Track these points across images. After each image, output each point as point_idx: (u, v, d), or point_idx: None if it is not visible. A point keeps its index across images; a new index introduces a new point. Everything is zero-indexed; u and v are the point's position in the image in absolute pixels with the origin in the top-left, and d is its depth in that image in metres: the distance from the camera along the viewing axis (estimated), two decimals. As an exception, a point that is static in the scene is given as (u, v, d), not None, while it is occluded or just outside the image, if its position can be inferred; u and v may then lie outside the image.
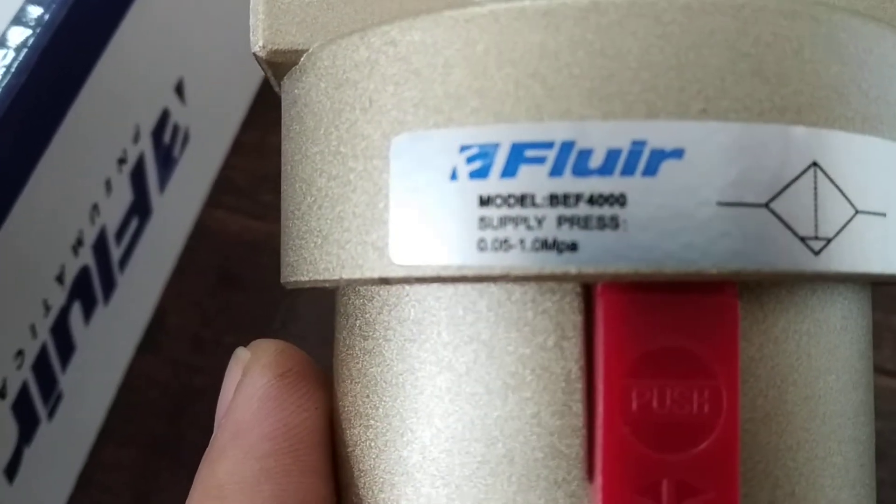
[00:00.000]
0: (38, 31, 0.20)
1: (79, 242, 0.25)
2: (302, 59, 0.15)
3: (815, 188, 0.12)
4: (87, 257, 0.26)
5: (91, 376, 0.28)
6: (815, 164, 0.12)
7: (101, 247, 0.26)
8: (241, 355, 0.16)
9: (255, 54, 0.15)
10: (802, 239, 0.12)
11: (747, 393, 0.13)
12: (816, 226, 0.12)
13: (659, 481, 0.12)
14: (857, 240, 0.12)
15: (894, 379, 0.29)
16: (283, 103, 0.16)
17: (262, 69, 0.16)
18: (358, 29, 0.14)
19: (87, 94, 0.23)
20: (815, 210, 0.12)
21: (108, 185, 0.26)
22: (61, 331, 0.25)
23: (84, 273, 0.26)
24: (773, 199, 0.12)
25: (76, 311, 0.26)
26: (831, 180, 0.12)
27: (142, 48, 0.25)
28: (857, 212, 0.12)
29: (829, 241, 0.12)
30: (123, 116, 0.26)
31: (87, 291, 0.26)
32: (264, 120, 0.34)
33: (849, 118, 0.12)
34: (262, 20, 0.15)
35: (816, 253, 0.12)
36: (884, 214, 0.13)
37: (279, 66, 0.15)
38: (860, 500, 0.14)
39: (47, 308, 0.24)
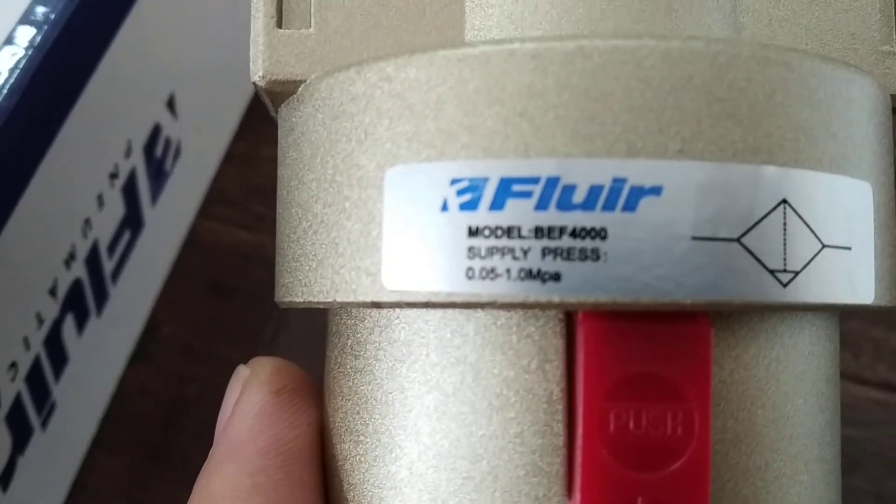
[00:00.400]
0: (29, 52, 0.21)
1: (71, 256, 0.26)
2: (300, 89, 0.15)
3: (785, 224, 0.13)
4: (79, 270, 0.26)
5: (84, 386, 0.28)
6: (784, 201, 0.13)
7: (93, 260, 0.27)
8: (242, 372, 0.17)
9: (254, 83, 0.16)
10: (772, 272, 0.13)
11: (718, 416, 0.13)
12: (785, 259, 0.13)
13: (634, 499, 0.13)
14: (823, 272, 0.13)
15: (873, 388, 0.30)
16: (280, 130, 0.16)
17: (261, 97, 0.16)
18: (354, 63, 0.14)
19: (79, 112, 0.23)
20: (784, 245, 0.13)
21: (100, 200, 0.26)
22: (54, 343, 0.26)
23: (77, 286, 0.26)
24: (744, 234, 0.13)
25: (69, 324, 0.26)
26: (800, 216, 0.13)
27: (133, 65, 0.26)
28: (823, 246, 0.13)
29: (796, 273, 0.13)
30: (115, 132, 0.26)
31: (79, 304, 0.27)
32: (256, 132, 0.35)
33: (817, 158, 0.13)
34: (262, 51, 0.15)
35: (785, 285, 0.13)
36: (849, 248, 0.14)
37: (277, 94, 0.16)
38: None
39: (40, 321, 0.25)
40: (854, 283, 0.14)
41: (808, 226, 0.13)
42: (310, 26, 0.15)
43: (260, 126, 0.35)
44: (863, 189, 0.14)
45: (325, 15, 0.15)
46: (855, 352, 0.30)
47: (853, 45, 0.16)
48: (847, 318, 0.30)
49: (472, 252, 0.13)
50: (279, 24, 0.15)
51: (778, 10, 0.16)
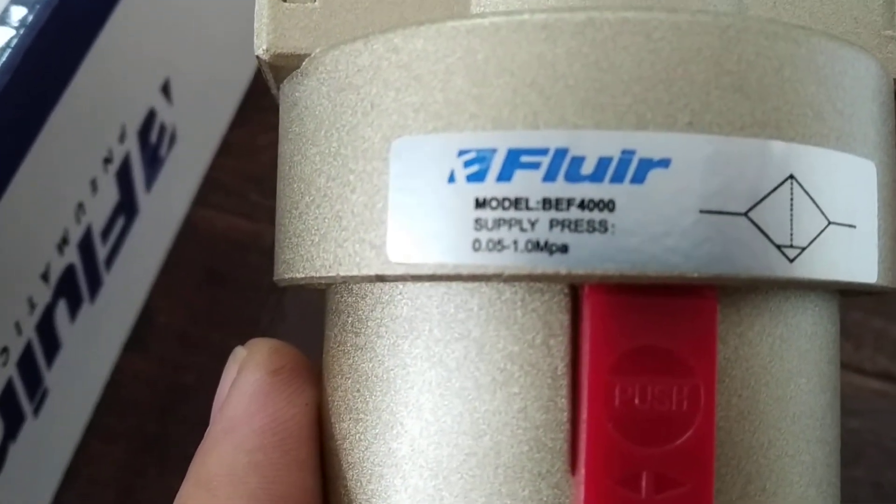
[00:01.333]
0: (21, 31, 0.21)
1: (64, 241, 0.25)
2: (304, 63, 0.15)
3: (792, 199, 0.13)
4: (72, 256, 0.26)
5: (77, 374, 0.28)
6: (791, 176, 0.13)
7: (86, 245, 0.27)
8: (239, 353, 0.17)
9: (258, 57, 0.16)
10: (778, 247, 0.13)
11: (723, 392, 0.14)
12: (792, 235, 0.13)
13: (639, 474, 0.13)
14: (828, 249, 0.13)
15: (873, 378, 0.30)
16: (282, 106, 0.16)
17: (263, 72, 0.16)
18: (360, 35, 0.14)
19: (71, 94, 0.23)
20: (791, 220, 0.13)
21: (93, 185, 0.26)
22: (47, 329, 0.26)
23: (70, 271, 0.26)
24: (751, 208, 0.13)
25: (62, 309, 0.26)
26: (806, 192, 0.13)
27: (127, 48, 0.26)
28: (829, 223, 0.13)
29: (802, 249, 0.13)
30: (109, 116, 0.26)
31: (72, 290, 0.27)
32: (253, 120, 0.35)
33: (824, 135, 0.13)
34: (266, 24, 0.15)
35: (791, 260, 0.13)
36: (853, 226, 0.14)
37: (280, 69, 0.16)
38: (826, 498, 0.15)
39: (32, 306, 0.25)
40: (857, 262, 0.14)
41: (814, 202, 0.13)
42: (315, 0, 0.16)
43: (257, 115, 0.35)
44: (867, 168, 0.14)
45: None
46: (856, 342, 0.30)
47: (856, 29, 0.16)
48: (848, 308, 0.30)
49: (478, 224, 0.13)
50: None
51: None
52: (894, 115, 0.16)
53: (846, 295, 0.16)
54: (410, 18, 0.15)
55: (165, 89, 0.29)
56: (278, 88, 0.17)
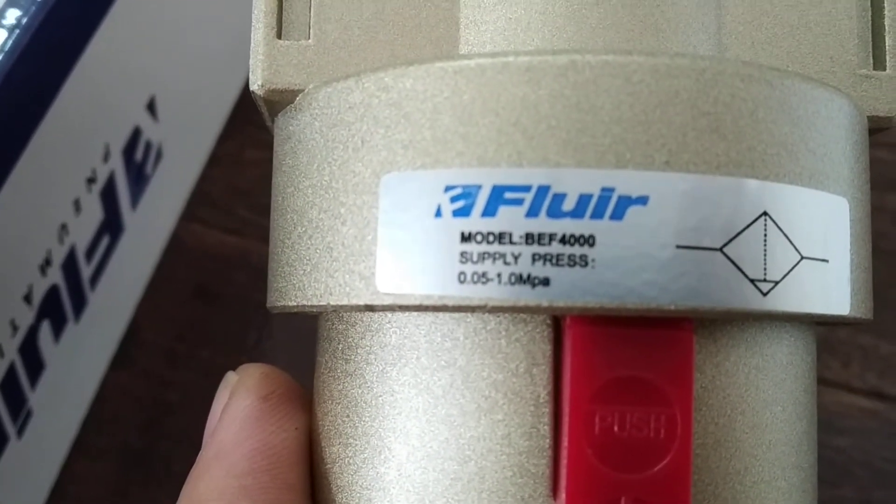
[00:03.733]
0: (0, 55, 0.21)
1: (47, 262, 0.26)
2: (298, 98, 0.16)
3: (765, 235, 0.14)
4: (55, 276, 0.27)
5: (62, 393, 0.29)
6: (765, 213, 0.14)
7: (70, 266, 0.28)
8: (230, 378, 0.18)
9: (252, 92, 0.17)
10: (752, 281, 0.14)
11: (700, 420, 0.15)
12: (765, 269, 0.14)
13: (618, 499, 0.14)
14: (801, 283, 0.14)
15: (861, 397, 0.31)
16: (276, 139, 0.18)
17: (258, 105, 0.17)
18: (352, 73, 0.16)
19: (53, 115, 0.24)
20: (765, 255, 0.14)
21: (76, 205, 0.27)
22: (30, 350, 0.27)
23: (53, 292, 0.27)
24: (726, 244, 0.14)
25: (45, 330, 0.27)
26: (780, 228, 0.14)
27: (111, 68, 0.27)
28: (802, 258, 0.15)
29: (776, 283, 0.14)
30: (92, 137, 0.27)
31: (56, 310, 0.28)
32: (241, 134, 0.36)
33: (797, 173, 0.15)
34: (261, 61, 0.17)
35: (765, 294, 0.14)
36: (826, 261, 0.15)
37: (275, 104, 0.17)
38: None
39: (14, 328, 0.25)
40: (830, 295, 0.15)
41: (787, 238, 0.14)
42: (308, 38, 0.17)
43: (245, 128, 0.36)
44: (840, 204, 0.15)
45: (323, 27, 0.17)
46: (844, 360, 0.31)
47: (832, 69, 0.17)
48: (835, 326, 0.31)
49: (464, 257, 0.14)
50: (279, 35, 0.17)
51: (760, 34, 0.17)
52: (867, 152, 0.17)
53: (823, 324, 0.18)
54: (401, 57, 0.17)
55: (151, 107, 0.30)
56: (273, 121, 0.18)
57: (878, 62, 0.17)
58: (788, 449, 0.16)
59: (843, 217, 0.15)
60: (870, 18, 0.18)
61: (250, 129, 0.36)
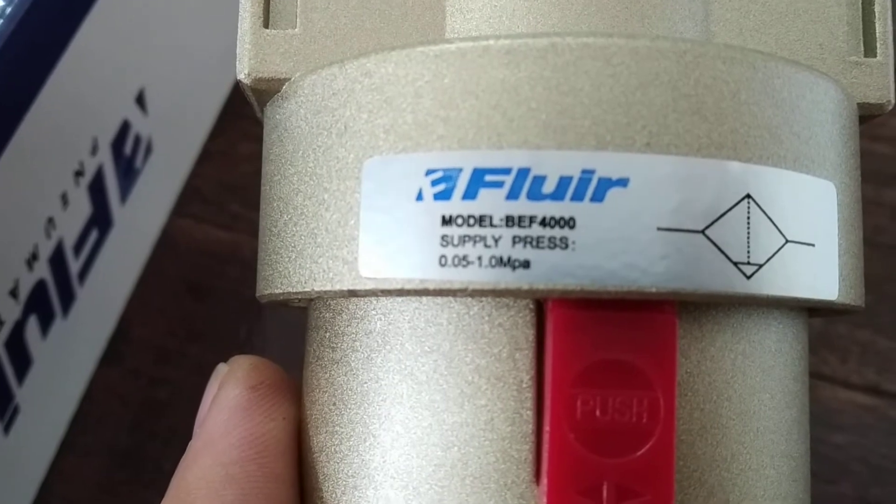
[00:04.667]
0: None
1: (33, 257, 0.27)
2: (284, 87, 0.17)
3: (749, 218, 0.14)
4: (42, 271, 0.27)
5: (50, 390, 0.29)
6: (748, 196, 0.14)
7: (58, 260, 0.28)
8: (221, 370, 0.18)
9: (240, 81, 0.17)
10: (735, 264, 0.14)
11: (685, 406, 0.15)
12: (749, 252, 0.14)
13: (600, 484, 0.14)
14: (786, 267, 0.15)
15: (860, 392, 0.31)
16: (265, 128, 0.18)
17: (246, 95, 0.18)
18: (337, 61, 0.16)
19: (38, 108, 0.24)
20: (748, 238, 0.14)
21: (64, 199, 0.27)
22: (16, 345, 0.27)
23: (40, 287, 0.27)
24: (709, 226, 0.14)
25: (32, 325, 0.28)
26: (763, 211, 0.14)
27: (98, 60, 0.27)
28: (787, 241, 0.15)
29: (760, 266, 0.14)
30: (79, 130, 0.27)
31: (43, 305, 0.28)
32: (232, 129, 0.36)
33: (781, 156, 0.15)
34: (248, 50, 0.17)
35: (748, 277, 0.14)
36: (812, 245, 0.15)
37: (262, 93, 0.17)
38: None
39: (0, 323, 0.26)
40: (817, 279, 0.15)
41: (771, 220, 0.15)
42: (295, 27, 0.17)
43: (237, 123, 0.36)
44: (826, 188, 0.15)
45: (310, 16, 0.17)
46: (842, 356, 0.32)
47: (821, 55, 0.17)
48: (833, 321, 0.32)
49: (445, 240, 0.14)
50: (265, 24, 0.17)
51: (748, 21, 0.17)
52: (857, 138, 0.17)
53: (815, 313, 0.18)
54: (387, 44, 0.17)
55: (140, 100, 0.31)
56: (262, 111, 0.18)
57: (869, 49, 0.18)
58: (777, 437, 0.16)
59: (830, 201, 0.16)
60: (860, 5, 0.18)
61: (242, 124, 0.36)
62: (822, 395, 0.31)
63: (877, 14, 0.18)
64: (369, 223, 0.15)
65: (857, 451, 0.30)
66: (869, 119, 0.18)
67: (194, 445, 0.17)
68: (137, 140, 0.31)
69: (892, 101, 0.17)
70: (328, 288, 0.15)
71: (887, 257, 0.33)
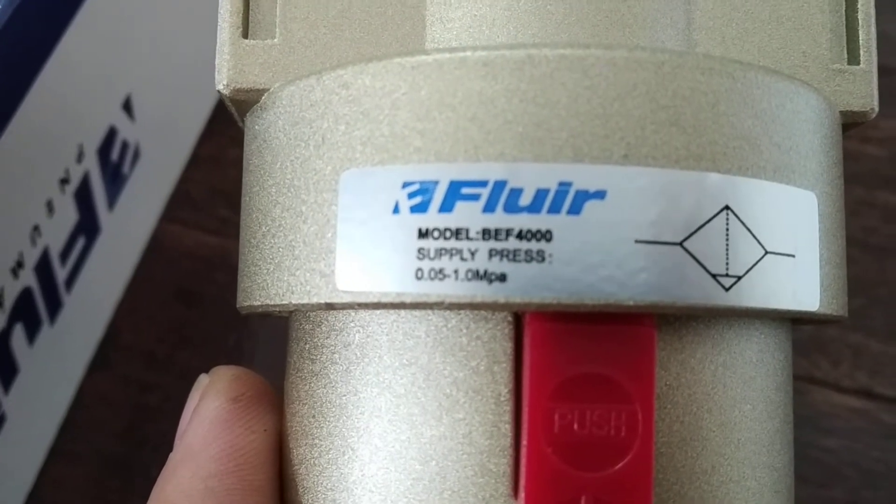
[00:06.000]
0: None
1: (19, 264, 0.26)
2: (263, 97, 0.17)
3: (727, 229, 0.14)
4: (28, 279, 0.27)
5: (37, 397, 0.29)
6: (727, 207, 0.14)
7: (44, 268, 0.28)
8: (202, 381, 0.18)
9: (219, 91, 0.17)
10: (714, 276, 0.14)
11: (664, 418, 0.15)
12: (727, 264, 0.14)
13: (578, 498, 0.14)
14: (766, 278, 0.15)
15: (851, 396, 0.31)
16: (245, 139, 0.18)
17: (227, 105, 0.18)
18: (315, 72, 0.16)
19: (22, 115, 0.24)
20: (727, 249, 0.14)
21: (49, 207, 0.27)
22: (2, 353, 0.27)
23: (26, 295, 0.27)
24: (687, 238, 0.14)
25: (18, 333, 0.27)
26: (742, 223, 0.14)
27: (83, 66, 0.27)
28: (766, 252, 0.15)
29: (739, 278, 0.14)
30: (64, 137, 0.27)
31: (29, 313, 0.28)
32: (222, 133, 0.36)
33: (760, 167, 0.15)
34: (227, 60, 0.17)
35: (727, 289, 0.14)
36: (793, 255, 0.15)
37: (242, 103, 0.17)
38: None
39: (-15, 330, 0.26)
40: (798, 290, 0.15)
41: (750, 232, 0.14)
42: (274, 37, 0.17)
43: (227, 128, 0.36)
44: (807, 198, 0.15)
45: (289, 26, 0.17)
46: (834, 359, 0.31)
47: (804, 63, 0.17)
48: (825, 325, 0.32)
49: (421, 253, 0.14)
50: (245, 35, 0.17)
51: (731, 29, 0.17)
52: (840, 147, 0.17)
53: (798, 322, 0.18)
54: (367, 54, 0.17)
55: (127, 106, 0.30)
56: (243, 122, 0.18)
57: (852, 56, 0.18)
58: (759, 448, 0.16)
59: (811, 211, 0.15)
60: (843, 13, 0.18)
61: (231, 129, 0.36)
62: (814, 398, 0.31)
63: (860, 21, 0.17)
64: (346, 236, 0.15)
65: (849, 455, 0.30)
66: (853, 126, 0.18)
67: (174, 457, 0.17)
68: (125, 146, 0.31)
69: (876, 109, 0.17)
70: (305, 301, 0.15)
71: (879, 260, 0.33)
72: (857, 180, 0.33)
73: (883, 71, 0.18)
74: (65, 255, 0.29)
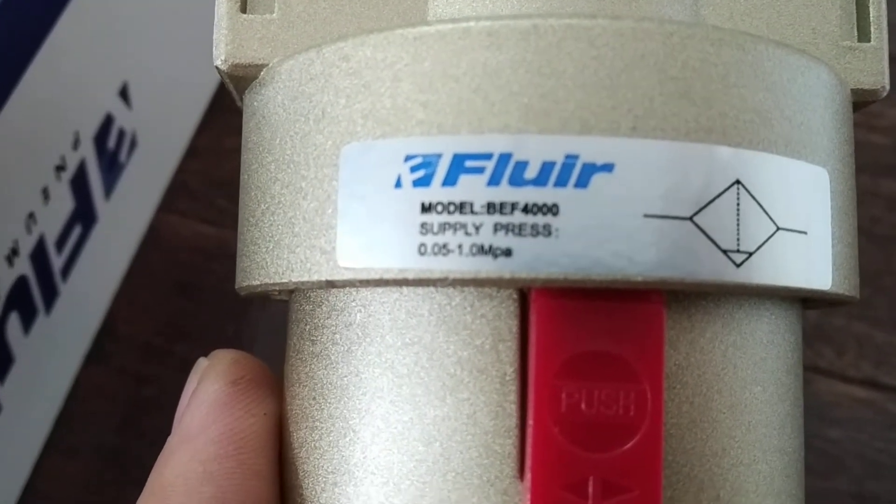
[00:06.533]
0: None
1: (13, 252, 0.26)
2: (262, 73, 0.16)
3: (738, 205, 0.14)
4: (23, 267, 0.27)
5: (33, 388, 0.29)
6: (738, 182, 0.14)
7: (39, 256, 0.28)
8: (201, 364, 0.18)
9: (217, 67, 0.17)
10: (725, 251, 0.14)
11: (674, 398, 0.14)
12: (738, 240, 0.14)
13: (586, 479, 0.14)
14: (777, 255, 0.14)
15: (857, 386, 0.31)
16: (244, 116, 0.17)
17: (225, 82, 0.17)
18: (315, 45, 0.15)
19: (16, 101, 0.24)
20: (738, 225, 0.14)
21: (45, 194, 0.27)
22: (-3, 342, 0.26)
23: (21, 283, 0.27)
24: (697, 213, 0.14)
25: (13, 322, 0.27)
26: (754, 198, 0.14)
27: (79, 52, 0.27)
28: (778, 228, 0.14)
29: (750, 254, 0.14)
30: (60, 123, 0.27)
31: (25, 301, 0.27)
32: (220, 123, 0.36)
33: (772, 141, 0.14)
34: (224, 35, 0.16)
35: (738, 265, 0.14)
36: (805, 232, 0.15)
37: (240, 79, 0.17)
38: None
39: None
40: (810, 268, 0.15)
41: (762, 207, 0.14)
42: (273, 11, 0.17)
43: (224, 117, 0.36)
44: (819, 174, 0.15)
45: (288, 0, 0.16)
46: (839, 349, 0.31)
47: (814, 40, 0.17)
48: (830, 314, 0.31)
49: (424, 228, 0.14)
50: (243, 9, 0.16)
51: (739, 4, 0.17)
52: (851, 124, 0.17)
53: (809, 304, 0.17)
54: (367, 28, 0.16)
55: (124, 94, 0.30)
56: (242, 99, 0.18)
57: (863, 33, 0.17)
58: (770, 431, 0.16)
59: (823, 187, 0.15)
60: None
61: (229, 118, 0.36)
62: (819, 388, 0.31)
63: None
64: (347, 211, 0.14)
65: (853, 446, 0.30)
66: (863, 106, 0.17)
67: (172, 441, 0.17)
68: (122, 134, 0.31)
69: (887, 87, 0.17)
70: (306, 279, 0.15)
71: (884, 249, 0.32)
72: (861, 169, 0.33)
73: (889, 59, 0.18)
74: (61, 243, 0.29)
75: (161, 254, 0.34)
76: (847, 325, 0.31)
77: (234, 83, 0.17)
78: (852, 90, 0.17)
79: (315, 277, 0.15)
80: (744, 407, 0.15)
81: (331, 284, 0.15)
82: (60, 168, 0.27)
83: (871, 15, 0.17)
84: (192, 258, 0.34)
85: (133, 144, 0.32)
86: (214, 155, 0.35)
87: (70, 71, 0.26)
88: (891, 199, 0.33)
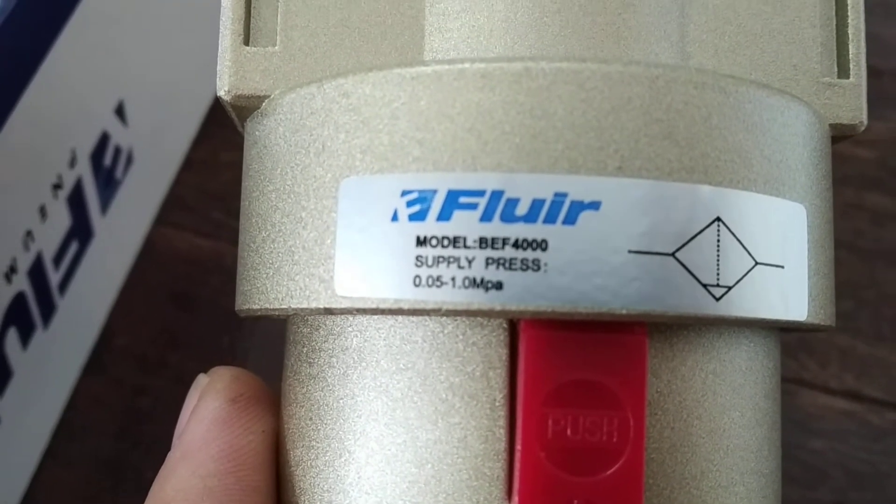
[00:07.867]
0: None
1: (12, 269, 0.27)
2: (264, 104, 0.17)
3: (718, 241, 0.15)
4: (22, 284, 0.27)
5: (31, 401, 0.30)
6: (718, 219, 0.15)
7: (37, 272, 0.28)
8: (201, 381, 0.18)
9: (220, 98, 0.17)
10: (705, 286, 0.14)
11: (655, 424, 0.15)
12: (718, 275, 0.15)
13: (570, 502, 0.14)
14: (756, 288, 0.15)
15: (839, 398, 0.31)
16: (245, 144, 0.18)
17: (227, 112, 0.18)
18: (316, 79, 0.16)
19: (15, 121, 0.24)
20: (718, 260, 0.15)
21: (42, 212, 0.27)
22: (-4, 356, 0.27)
23: (19, 299, 0.27)
24: (679, 249, 0.14)
25: (12, 337, 0.28)
26: (733, 234, 0.15)
27: (76, 72, 0.27)
28: (756, 263, 0.15)
29: (729, 288, 0.15)
30: (57, 142, 0.28)
31: (23, 317, 0.28)
32: (216, 137, 0.36)
33: (751, 180, 0.15)
34: (228, 67, 0.17)
35: (718, 299, 0.15)
36: (782, 266, 0.15)
37: (242, 108, 0.17)
38: None
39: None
40: (787, 300, 0.16)
41: (741, 243, 0.15)
42: (275, 44, 0.17)
43: (220, 132, 0.36)
44: (797, 210, 0.16)
45: (290, 34, 0.17)
46: (822, 361, 0.32)
47: (795, 77, 0.18)
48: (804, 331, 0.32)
49: (419, 260, 0.14)
50: (246, 42, 0.17)
51: (723, 42, 0.18)
52: (829, 159, 0.17)
53: (787, 330, 0.18)
54: (367, 62, 0.17)
55: (120, 111, 0.31)
56: (243, 126, 0.18)
57: (842, 70, 0.18)
58: (747, 454, 0.16)
59: (800, 223, 0.16)
60: (834, 27, 0.18)
61: (224, 133, 0.36)
62: (802, 400, 0.31)
63: (850, 36, 0.18)
64: (345, 242, 0.15)
65: (836, 457, 0.31)
66: (842, 139, 0.18)
67: (173, 456, 0.18)
68: (118, 151, 0.31)
69: (865, 122, 0.18)
70: (304, 306, 0.16)
71: (867, 262, 0.33)
72: (846, 183, 0.34)
73: (872, 73, 0.19)
74: (58, 259, 0.29)
75: (157, 266, 0.34)
76: (830, 337, 0.32)
77: (237, 112, 0.18)
78: (831, 125, 0.17)
79: (314, 304, 0.15)
80: (722, 432, 0.16)
81: (329, 312, 0.15)
82: (57, 186, 0.28)
83: (850, 52, 0.18)
84: (188, 270, 0.34)
85: (129, 161, 0.32)
86: (210, 168, 0.36)
87: (67, 90, 0.27)
88: (875, 212, 0.34)
